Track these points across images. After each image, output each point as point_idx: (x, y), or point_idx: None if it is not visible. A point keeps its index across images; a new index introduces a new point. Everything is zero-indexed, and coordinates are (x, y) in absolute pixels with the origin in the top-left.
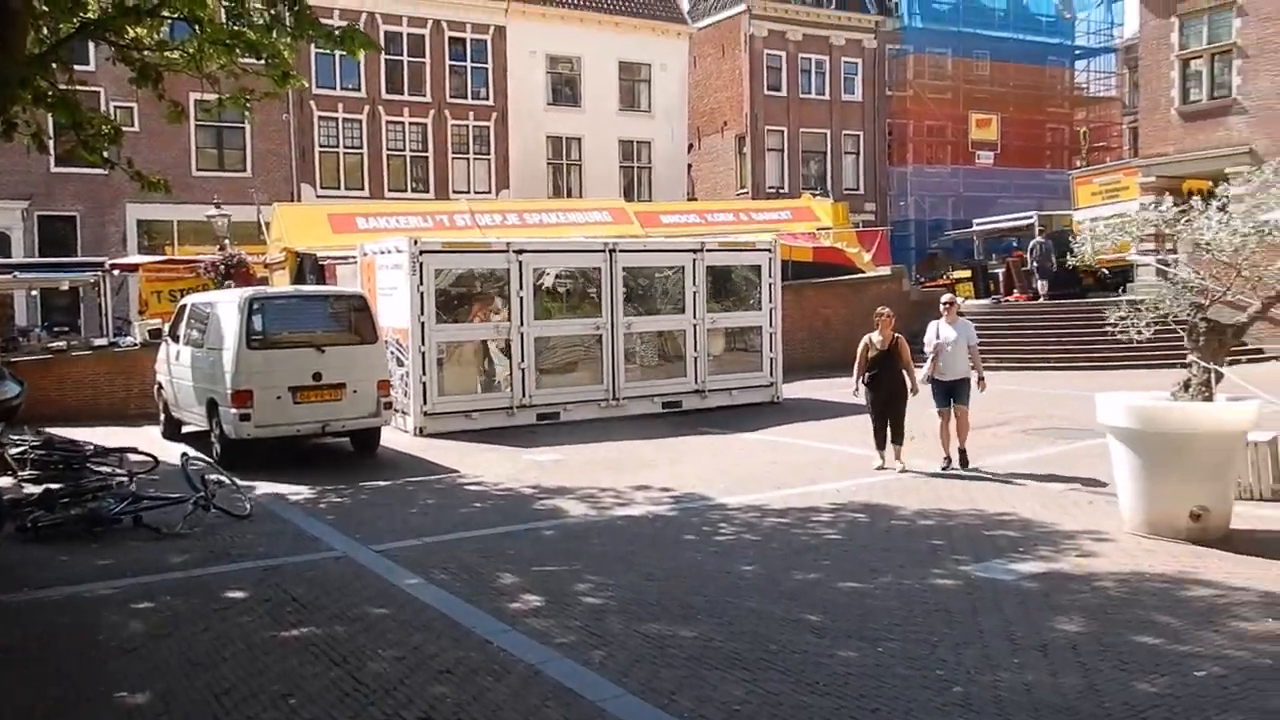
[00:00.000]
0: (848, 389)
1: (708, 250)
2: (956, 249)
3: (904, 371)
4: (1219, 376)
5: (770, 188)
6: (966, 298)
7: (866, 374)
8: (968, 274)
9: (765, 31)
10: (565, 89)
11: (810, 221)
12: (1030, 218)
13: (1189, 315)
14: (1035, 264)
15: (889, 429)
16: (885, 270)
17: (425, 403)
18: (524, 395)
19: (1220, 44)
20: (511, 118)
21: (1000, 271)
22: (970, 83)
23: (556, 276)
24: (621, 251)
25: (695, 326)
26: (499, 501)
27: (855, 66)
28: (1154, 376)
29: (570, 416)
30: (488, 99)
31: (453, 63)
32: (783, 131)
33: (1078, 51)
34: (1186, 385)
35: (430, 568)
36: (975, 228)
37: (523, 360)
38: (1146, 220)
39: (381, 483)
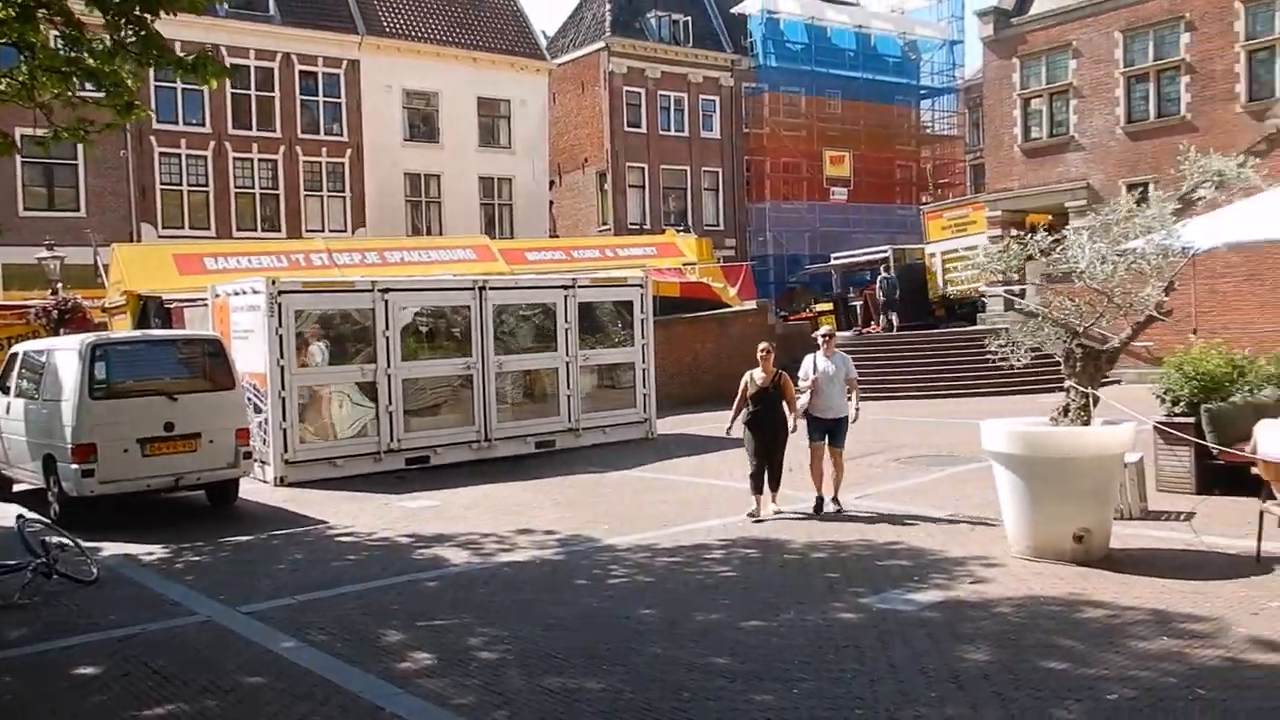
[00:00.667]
0: (720, 424)
1: (579, 286)
2: (814, 282)
3: (786, 410)
4: (1096, 400)
5: (632, 224)
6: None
7: (747, 412)
8: (830, 307)
9: (624, 69)
10: (423, 125)
11: (675, 257)
12: (885, 252)
13: (1064, 342)
14: (884, 297)
15: (766, 472)
16: (751, 304)
17: (286, 450)
18: (392, 439)
19: (1058, 84)
20: (367, 154)
21: (859, 304)
22: (824, 120)
23: (423, 315)
24: (491, 289)
25: (568, 364)
26: (374, 552)
27: (713, 104)
28: (1012, 403)
29: (441, 460)
30: (342, 135)
31: (304, 97)
32: (643, 168)
33: (922, 91)
34: (1066, 410)
35: (307, 628)
36: (833, 262)
37: (390, 403)
38: (1020, 250)
39: (244, 538)
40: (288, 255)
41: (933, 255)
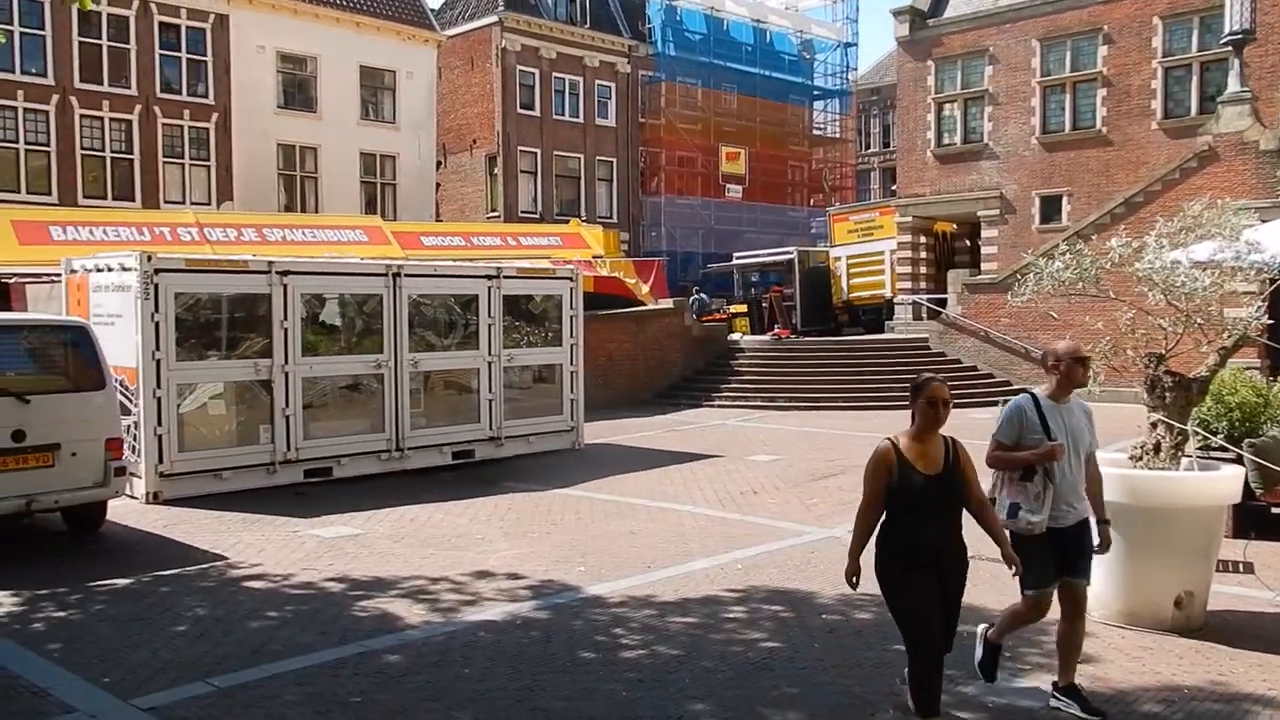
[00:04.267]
0: (640, 432)
1: (505, 277)
2: (706, 282)
3: (984, 520)
4: (1186, 438)
5: (524, 212)
6: (744, 333)
7: (893, 536)
8: (744, 309)
9: (518, 46)
10: (298, 92)
11: (581, 249)
12: (789, 253)
13: (1149, 367)
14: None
15: (932, 675)
16: (667, 303)
17: (161, 461)
18: (289, 448)
19: (973, 90)
20: (236, 120)
21: (764, 307)
22: (720, 115)
23: (325, 303)
24: (407, 276)
25: (490, 364)
26: (301, 605)
27: (609, 90)
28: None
29: (345, 472)
30: (207, 97)
31: (165, 52)
32: (536, 153)
33: (816, 92)
34: (1157, 448)
35: None
36: (735, 262)
37: (287, 405)
38: (1092, 259)
39: (120, 581)
40: (150, 228)
41: (838, 259)
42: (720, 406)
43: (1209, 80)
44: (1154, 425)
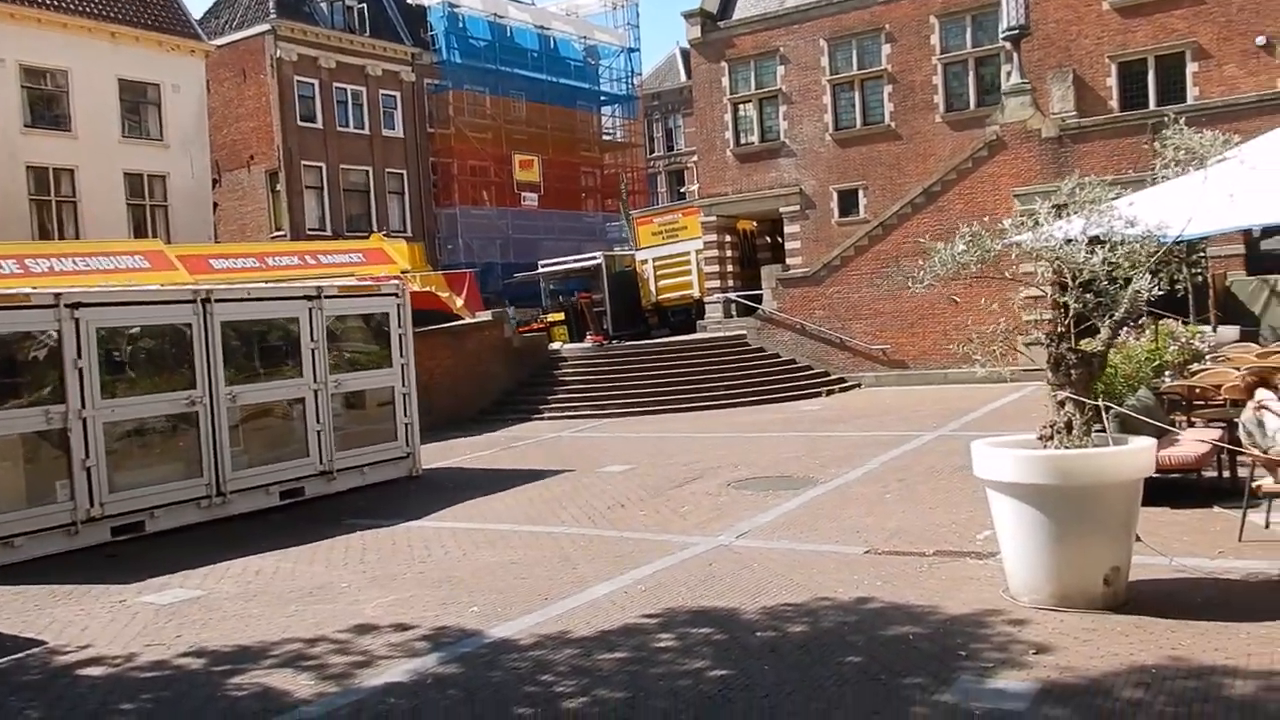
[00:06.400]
0: (474, 452)
1: (327, 297)
2: (508, 292)
3: None
4: (1099, 413)
5: (311, 229)
6: (563, 342)
7: None
8: (561, 317)
9: (295, 56)
10: (49, 109)
11: (387, 264)
12: (597, 258)
13: (1050, 346)
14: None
15: None
16: (485, 315)
17: None
18: (92, 504)
19: (767, 89)
20: None
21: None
22: (510, 123)
23: (123, 337)
24: (219, 302)
25: (316, 392)
26: (160, 692)
27: (395, 100)
28: (779, 410)
29: (160, 524)
30: None
31: None
32: (321, 167)
33: (603, 97)
34: (1069, 426)
35: None
36: (541, 270)
37: (88, 456)
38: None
39: None
40: None
41: (644, 262)
42: (551, 419)
43: (984, 75)
44: (1061, 403)
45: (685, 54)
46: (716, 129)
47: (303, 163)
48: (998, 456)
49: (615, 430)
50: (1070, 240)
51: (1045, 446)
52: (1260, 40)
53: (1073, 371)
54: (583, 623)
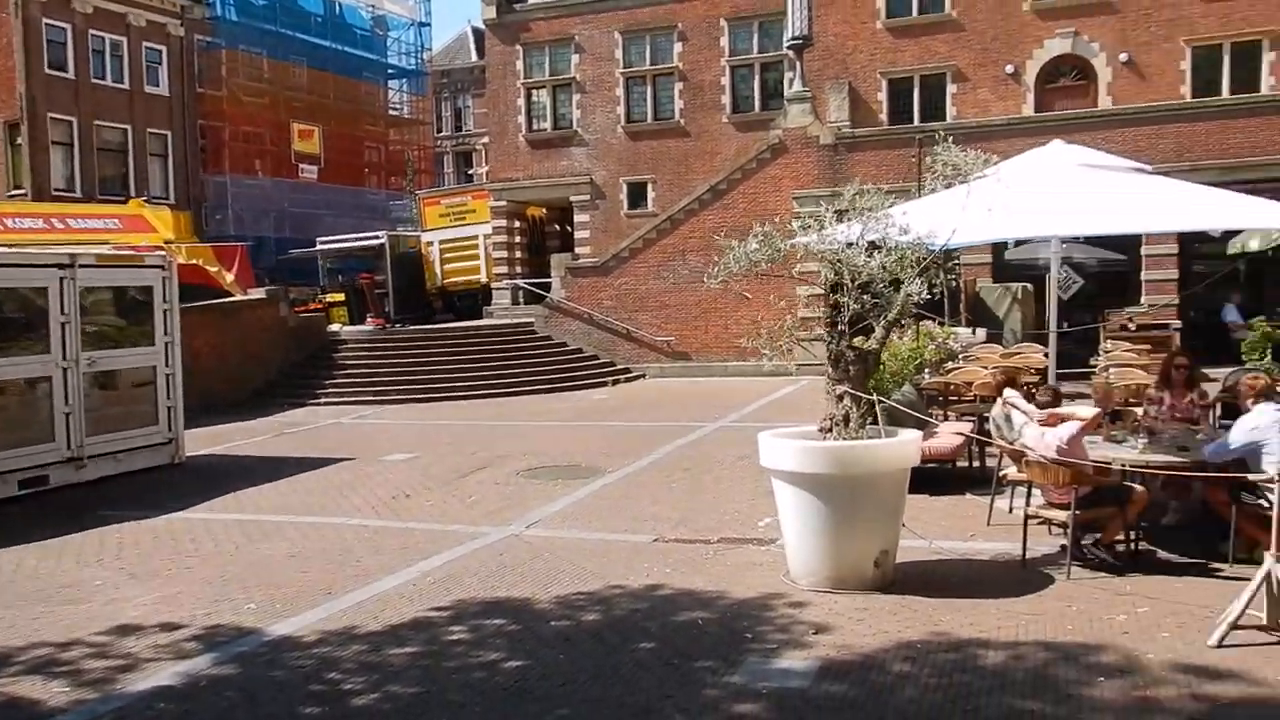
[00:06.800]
0: (245, 438)
1: (82, 266)
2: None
3: None
4: (873, 407)
5: (57, 189)
6: (343, 324)
7: None
8: (341, 297)
9: None
10: None
11: (148, 233)
12: (380, 238)
13: (831, 343)
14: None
15: None
16: (259, 293)
17: None
18: None
19: (561, 77)
20: None
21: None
22: (290, 90)
23: None
24: None
25: (66, 370)
26: None
27: (160, 55)
28: (563, 399)
29: None
30: None
31: None
32: (71, 122)
33: (391, 71)
34: (846, 419)
35: None
36: (320, 248)
37: None
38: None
39: None
40: None
41: (430, 244)
42: (330, 404)
43: (768, 79)
44: (840, 397)
45: (478, 33)
46: (509, 113)
47: (50, 115)
48: (782, 447)
49: (398, 417)
50: (851, 244)
51: (825, 438)
52: (1009, 69)
53: (851, 367)
54: (370, 617)
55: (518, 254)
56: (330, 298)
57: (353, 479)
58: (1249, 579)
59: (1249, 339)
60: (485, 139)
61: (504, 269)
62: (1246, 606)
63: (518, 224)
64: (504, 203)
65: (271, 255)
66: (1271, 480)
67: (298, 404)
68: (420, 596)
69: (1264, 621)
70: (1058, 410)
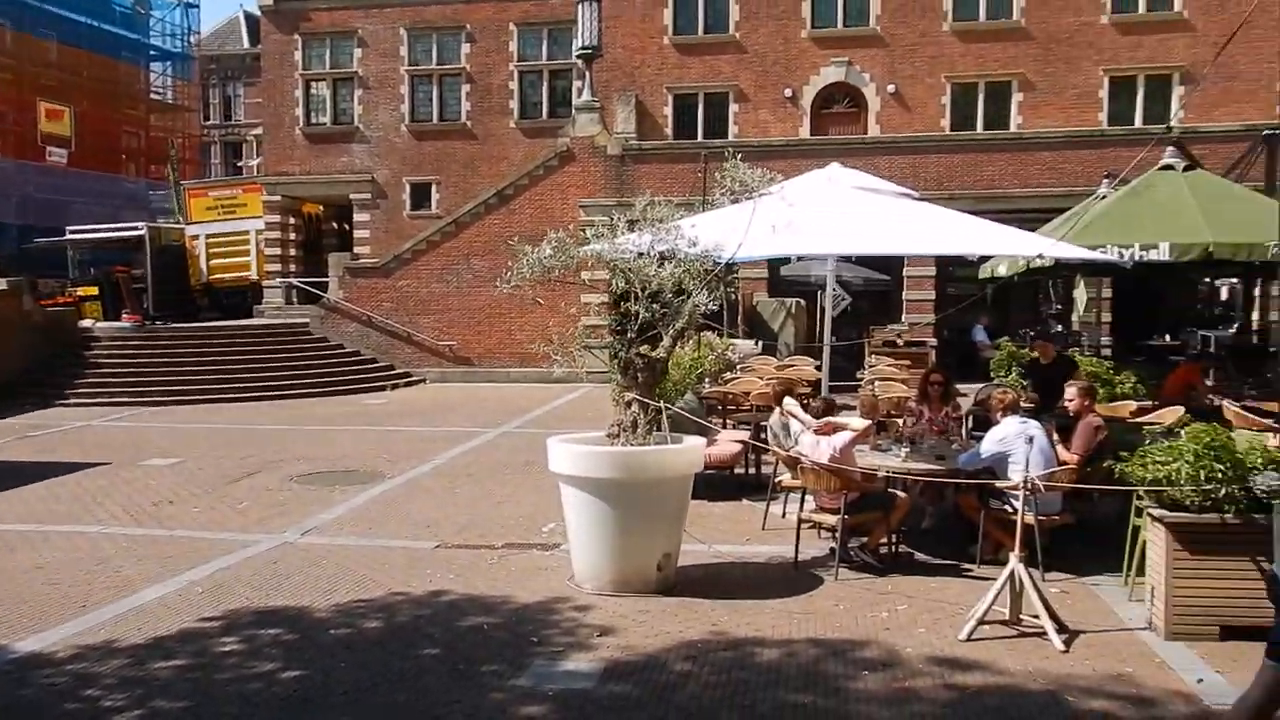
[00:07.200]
0: None
1: None
2: (25, 258)
3: None
4: (660, 413)
5: None
6: (95, 319)
7: None
8: (94, 291)
9: None
10: None
11: None
12: (140, 229)
13: (621, 350)
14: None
15: None
16: None
17: None
18: None
19: (343, 70)
20: None
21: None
22: (37, 66)
23: None
24: None
25: None
26: None
27: None
28: (340, 403)
29: None
30: None
31: None
32: None
33: (153, 52)
34: (634, 425)
35: None
36: (70, 237)
37: None
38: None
39: None
40: None
41: (195, 238)
42: (80, 405)
43: (557, 87)
44: (629, 404)
45: (251, 19)
46: (286, 105)
47: None
48: (570, 452)
49: (160, 420)
50: (642, 254)
51: (613, 444)
52: (788, 92)
53: (639, 375)
54: (132, 630)
55: (292, 251)
56: (82, 291)
57: (109, 485)
58: (995, 578)
59: (995, 357)
60: (258, 130)
61: (277, 266)
62: (992, 603)
63: (293, 220)
64: (278, 198)
65: (13, 244)
66: (1016, 487)
67: (43, 405)
68: (187, 607)
69: (1007, 616)
70: (832, 420)
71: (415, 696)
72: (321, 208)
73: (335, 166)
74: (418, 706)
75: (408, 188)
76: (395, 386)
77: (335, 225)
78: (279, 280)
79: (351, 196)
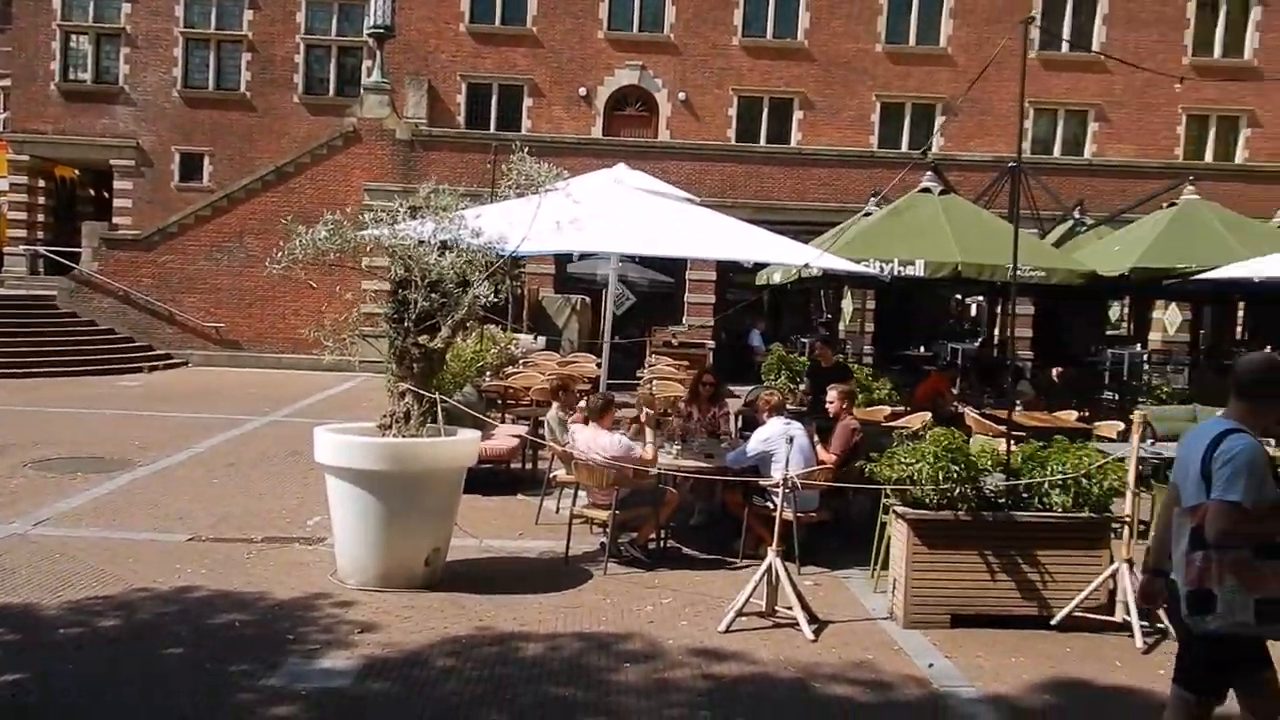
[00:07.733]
0: None
1: None
2: None
3: None
4: (435, 405)
5: None
6: None
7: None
8: None
9: None
10: None
11: None
12: None
13: (397, 339)
14: None
15: None
16: None
17: None
18: None
19: (108, 25)
20: None
21: None
22: None
23: None
24: None
25: None
26: None
27: None
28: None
29: None
30: None
31: None
32: None
33: None
34: (407, 416)
35: None
36: None
37: None
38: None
39: None
40: None
41: None
42: None
43: (346, 64)
44: (403, 394)
45: None
46: (40, 56)
47: None
48: (338, 443)
49: None
50: (423, 242)
51: (385, 435)
52: (582, 91)
53: (415, 365)
54: None
55: (40, 217)
56: None
57: None
58: (756, 572)
59: (767, 361)
60: (6, 81)
61: (23, 232)
62: (750, 595)
63: (42, 183)
64: (26, 157)
65: None
66: (777, 485)
67: None
68: None
69: (763, 608)
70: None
71: (152, 699)
72: (77, 172)
73: (95, 128)
74: (155, 710)
75: (177, 157)
76: (154, 368)
77: (93, 192)
78: (23, 248)
79: (112, 162)
